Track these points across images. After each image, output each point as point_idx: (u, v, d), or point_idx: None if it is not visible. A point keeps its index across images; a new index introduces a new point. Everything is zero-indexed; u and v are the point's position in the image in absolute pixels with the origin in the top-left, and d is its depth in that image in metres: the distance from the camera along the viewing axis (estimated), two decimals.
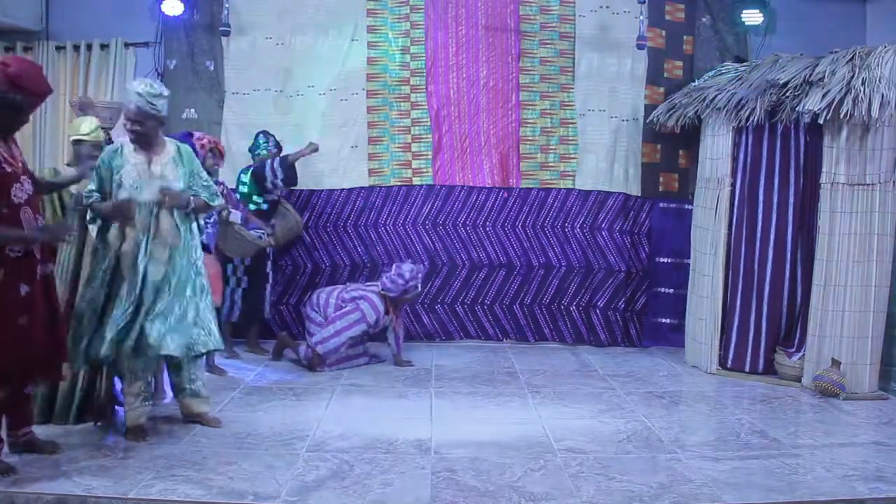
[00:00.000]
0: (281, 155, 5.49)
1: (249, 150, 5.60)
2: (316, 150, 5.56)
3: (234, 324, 5.47)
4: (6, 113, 3.11)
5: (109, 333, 3.50)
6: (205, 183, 3.86)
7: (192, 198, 3.76)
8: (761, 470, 3.47)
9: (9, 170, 3.10)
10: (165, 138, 3.82)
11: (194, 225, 3.82)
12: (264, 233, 5.26)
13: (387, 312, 5.30)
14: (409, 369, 5.29)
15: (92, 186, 3.64)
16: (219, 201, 3.96)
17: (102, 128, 4.54)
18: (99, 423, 3.82)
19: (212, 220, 4.58)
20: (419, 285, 5.38)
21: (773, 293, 5.13)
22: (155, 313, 3.57)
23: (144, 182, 3.65)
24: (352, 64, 6.11)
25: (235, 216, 5.07)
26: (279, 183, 5.41)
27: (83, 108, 4.83)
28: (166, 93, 3.73)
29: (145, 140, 3.69)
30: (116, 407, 3.93)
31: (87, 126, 4.21)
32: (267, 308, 5.59)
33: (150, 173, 3.68)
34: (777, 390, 4.89)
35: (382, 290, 5.28)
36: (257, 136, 5.60)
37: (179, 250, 3.68)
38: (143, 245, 3.60)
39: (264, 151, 5.50)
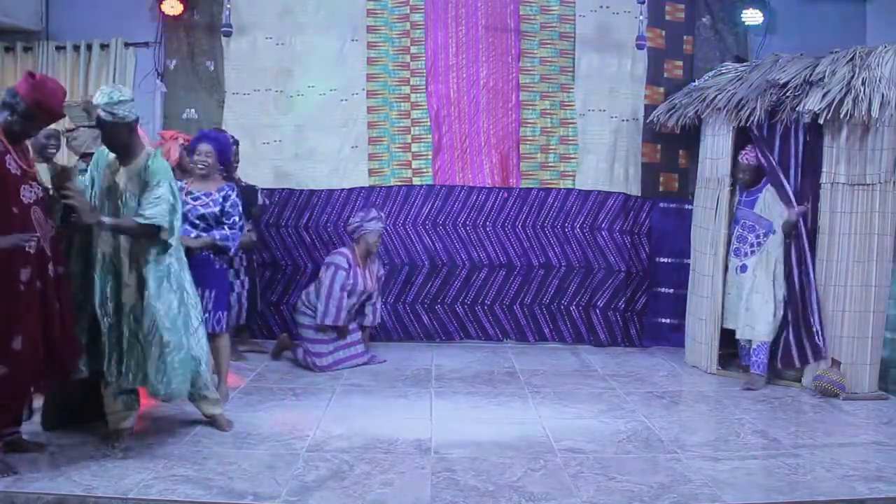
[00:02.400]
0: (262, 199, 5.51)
1: None
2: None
3: (240, 326, 5.47)
4: (22, 123, 3.17)
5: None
6: (153, 199, 3.38)
7: (104, 219, 3.32)
8: (761, 470, 3.47)
9: (14, 171, 3.13)
10: (147, 148, 3.57)
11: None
12: (251, 229, 5.21)
13: (359, 265, 5.26)
14: (409, 369, 5.28)
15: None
16: (163, 222, 3.37)
17: None
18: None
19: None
20: (380, 223, 5.35)
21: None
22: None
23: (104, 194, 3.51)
24: (352, 64, 6.11)
25: None
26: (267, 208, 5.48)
27: (86, 109, 4.81)
28: (128, 96, 3.42)
29: (120, 148, 3.47)
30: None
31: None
32: (258, 301, 5.65)
33: (114, 184, 3.49)
34: (777, 390, 4.89)
35: (347, 228, 5.45)
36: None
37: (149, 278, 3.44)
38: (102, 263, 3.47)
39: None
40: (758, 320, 4.95)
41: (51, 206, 3.33)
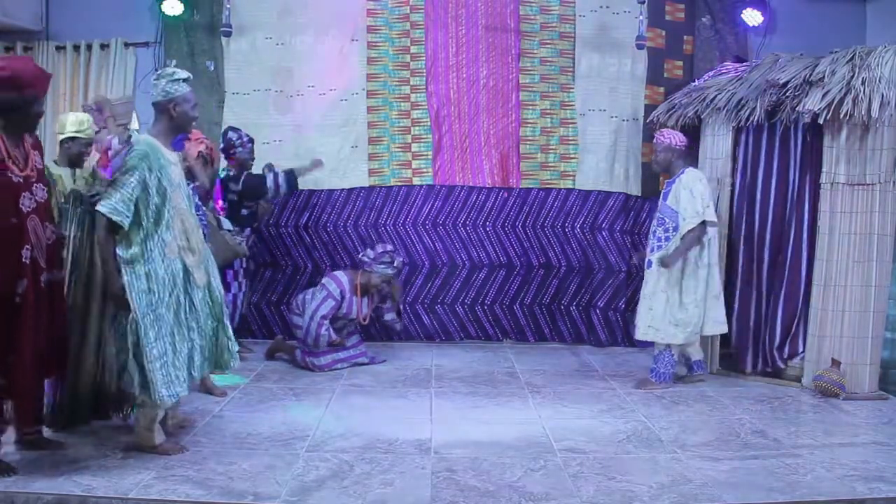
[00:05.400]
0: (286, 170, 5.33)
1: (222, 150, 5.39)
2: (321, 164, 5.53)
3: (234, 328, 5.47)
4: (18, 113, 3.09)
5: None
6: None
7: None
8: (761, 470, 3.47)
9: (15, 179, 3.08)
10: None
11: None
12: (242, 241, 5.16)
13: (356, 293, 5.22)
14: (410, 369, 5.28)
15: (129, 195, 3.21)
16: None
17: (121, 124, 4.48)
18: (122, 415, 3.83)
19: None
20: (390, 269, 5.22)
21: (771, 293, 5.13)
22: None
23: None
24: (352, 64, 6.11)
25: (227, 223, 5.03)
26: (281, 195, 5.43)
27: (99, 106, 4.78)
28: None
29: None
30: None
31: (77, 121, 3.90)
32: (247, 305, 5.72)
33: (181, 177, 3.51)
34: (777, 390, 4.89)
35: (360, 255, 5.33)
36: (226, 132, 5.42)
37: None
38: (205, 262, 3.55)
39: (239, 148, 5.31)
40: (661, 322, 4.76)
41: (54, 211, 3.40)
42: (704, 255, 4.76)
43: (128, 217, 3.20)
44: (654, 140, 4.96)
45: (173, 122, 3.41)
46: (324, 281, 5.29)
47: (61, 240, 3.48)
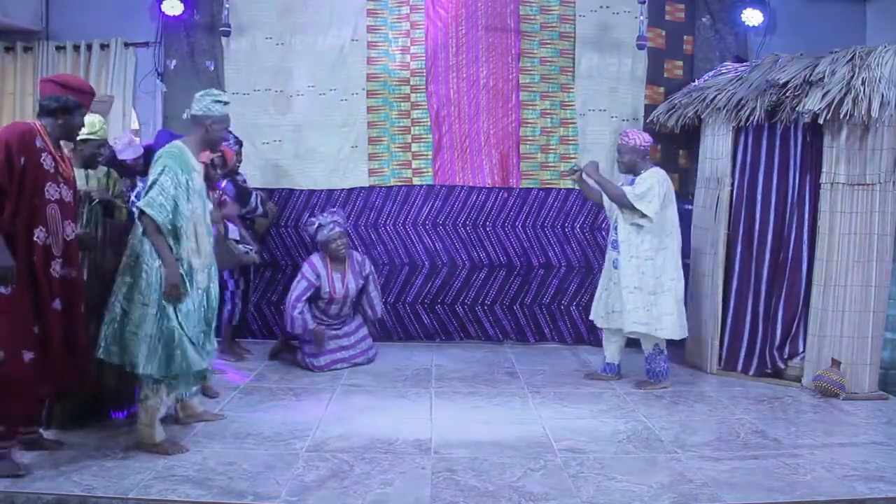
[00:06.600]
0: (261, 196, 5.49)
1: None
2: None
3: (235, 327, 5.46)
4: (64, 117, 3.29)
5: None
6: None
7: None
8: (761, 470, 3.47)
9: (48, 168, 3.22)
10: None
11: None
12: (252, 249, 5.15)
13: (329, 268, 5.21)
14: (409, 369, 5.28)
15: (162, 201, 3.41)
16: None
17: None
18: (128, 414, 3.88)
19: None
20: (326, 235, 5.16)
21: (771, 293, 5.14)
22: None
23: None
24: (352, 64, 6.11)
25: (234, 232, 5.02)
26: (257, 214, 5.46)
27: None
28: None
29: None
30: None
31: (89, 123, 3.97)
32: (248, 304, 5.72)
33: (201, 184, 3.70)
34: (777, 390, 4.89)
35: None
36: None
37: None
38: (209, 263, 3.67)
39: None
40: (656, 317, 4.74)
41: (79, 211, 3.57)
42: (642, 248, 4.75)
43: (165, 214, 3.39)
44: (619, 141, 4.92)
45: (206, 137, 3.66)
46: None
47: (82, 238, 3.56)
